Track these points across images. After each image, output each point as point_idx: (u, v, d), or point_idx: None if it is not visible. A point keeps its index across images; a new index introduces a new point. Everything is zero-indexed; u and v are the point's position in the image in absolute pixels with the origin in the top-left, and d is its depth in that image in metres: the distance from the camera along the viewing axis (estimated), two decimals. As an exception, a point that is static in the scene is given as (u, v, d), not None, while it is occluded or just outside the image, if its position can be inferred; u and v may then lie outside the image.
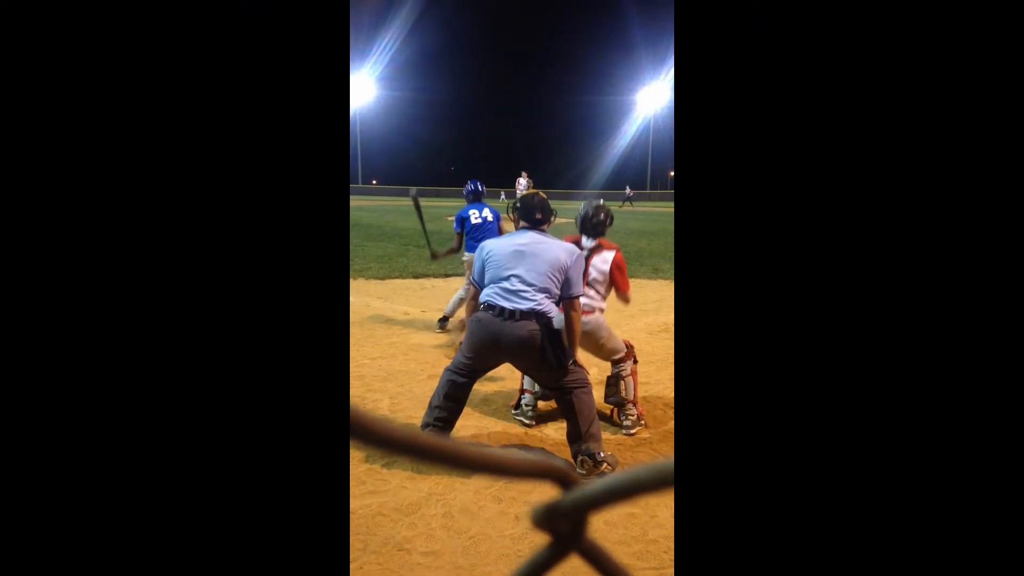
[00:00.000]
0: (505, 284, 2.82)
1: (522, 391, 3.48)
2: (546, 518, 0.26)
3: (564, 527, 0.26)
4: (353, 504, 2.52)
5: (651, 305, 6.78)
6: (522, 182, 19.84)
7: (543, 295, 2.81)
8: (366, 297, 6.54)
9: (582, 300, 3.07)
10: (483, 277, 2.95)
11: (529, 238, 2.93)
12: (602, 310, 3.41)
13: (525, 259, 2.84)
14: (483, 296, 2.90)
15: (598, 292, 3.40)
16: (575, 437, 2.82)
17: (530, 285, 2.80)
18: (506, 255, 2.88)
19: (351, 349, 4.70)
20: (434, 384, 2.97)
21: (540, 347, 2.77)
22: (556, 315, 2.90)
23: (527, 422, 3.39)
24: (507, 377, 3.94)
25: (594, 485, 0.24)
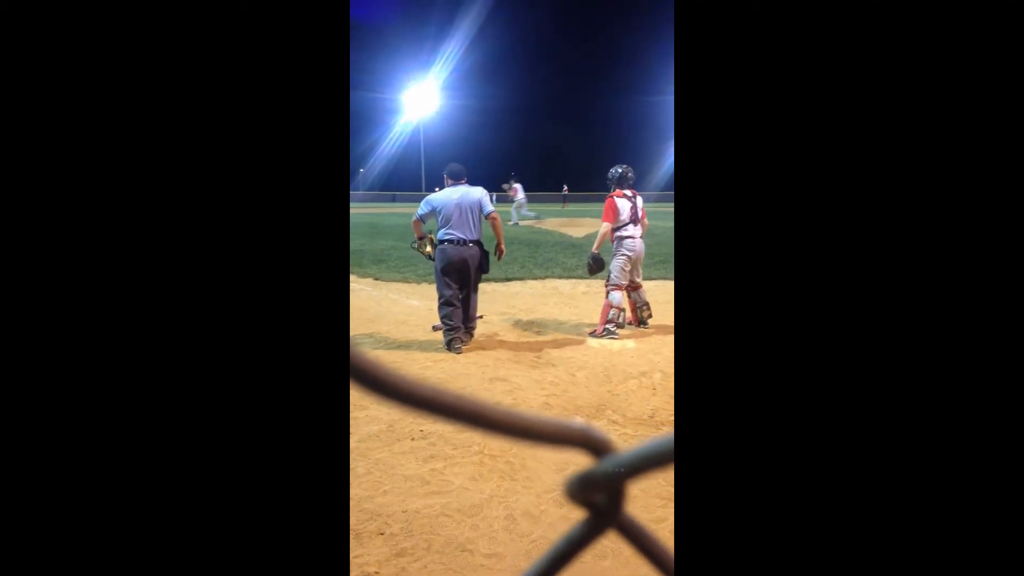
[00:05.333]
0: (456, 223, 4.85)
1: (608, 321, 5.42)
2: (581, 489, 0.25)
3: (600, 499, 0.25)
4: (417, 504, 2.56)
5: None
6: (517, 187, 19.98)
7: (476, 226, 4.95)
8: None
9: (635, 231, 5.56)
10: (430, 218, 4.98)
11: (460, 191, 4.94)
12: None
13: (463, 206, 4.88)
14: (443, 234, 4.88)
15: (642, 226, 5.60)
16: (469, 319, 5.06)
17: (468, 221, 4.89)
18: (452, 204, 4.87)
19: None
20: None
21: (481, 259, 5.00)
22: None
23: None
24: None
25: (630, 452, 0.22)
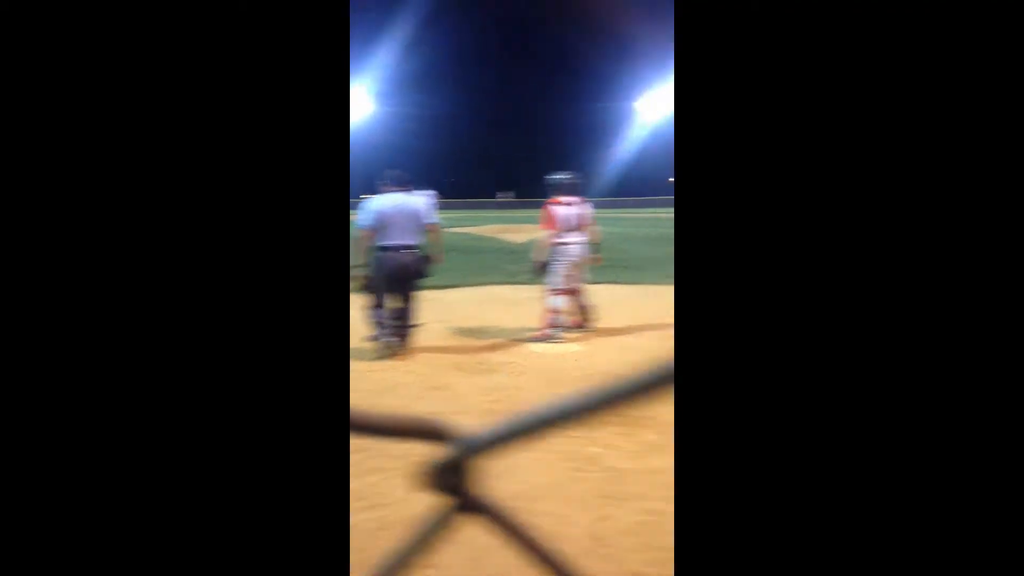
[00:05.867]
0: (395, 230, 4.85)
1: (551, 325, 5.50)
2: (437, 476, 0.24)
3: (456, 481, 0.24)
4: (353, 519, 2.46)
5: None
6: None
7: (414, 233, 4.97)
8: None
9: (575, 237, 5.54)
10: (372, 224, 4.85)
11: (400, 198, 4.99)
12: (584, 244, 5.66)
13: (403, 212, 4.92)
14: (386, 241, 4.85)
15: (587, 232, 5.68)
16: (409, 318, 5.05)
17: (408, 228, 4.92)
18: (393, 211, 4.88)
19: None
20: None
21: (419, 265, 5.00)
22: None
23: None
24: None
25: (476, 435, 0.20)
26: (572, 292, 5.71)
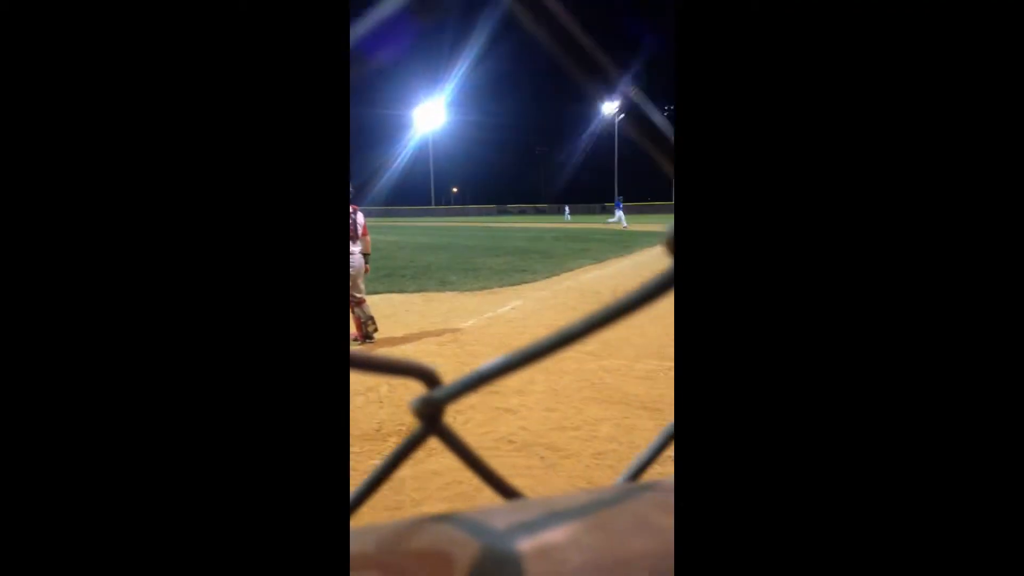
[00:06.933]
0: None
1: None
2: (422, 407, 0.31)
3: (433, 413, 0.31)
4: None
5: (440, 316, 6.96)
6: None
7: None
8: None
9: (353, 247, 5.72)
10: None
11: None
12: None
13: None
14: None
15: (363, 242, 6.03)
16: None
17: None
18: None
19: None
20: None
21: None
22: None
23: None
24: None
25: (457, 382, 0.29)
26: (354, 303, 5.63)
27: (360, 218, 5.68)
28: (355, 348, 0.35)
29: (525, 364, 0.28)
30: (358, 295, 5.68)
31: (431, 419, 0.31)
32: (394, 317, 6.75)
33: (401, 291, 8.74)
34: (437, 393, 0.30)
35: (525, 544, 0.28)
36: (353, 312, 5.67)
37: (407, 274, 10.64)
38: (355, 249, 5.57)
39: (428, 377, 0.30)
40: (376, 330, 5.85)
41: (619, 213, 35.17)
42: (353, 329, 5.71)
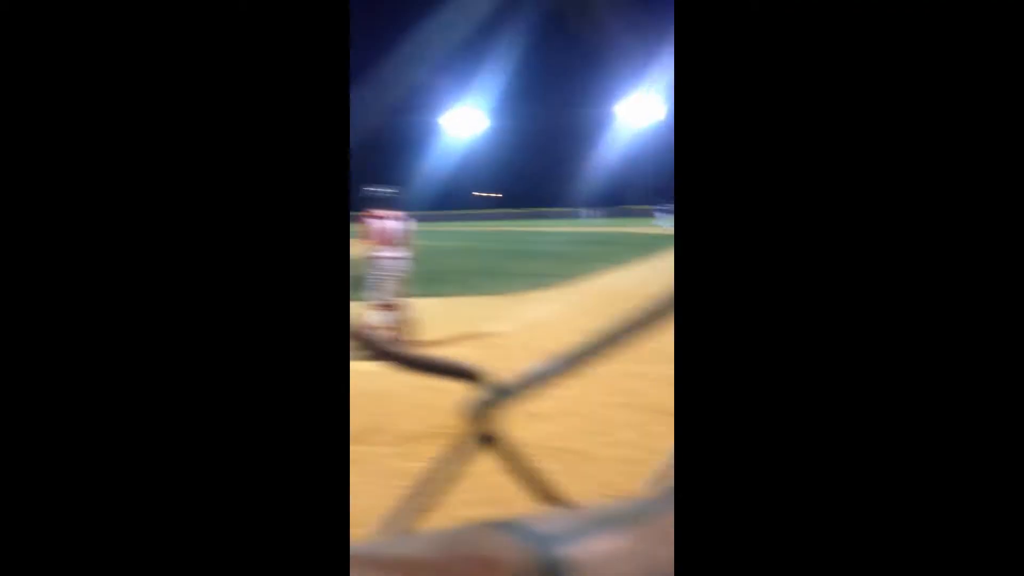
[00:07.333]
0: None
1: None
2: (479, 411, 0.31)
3: (490, 417, 0.31)
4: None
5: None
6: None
7: None
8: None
9: (389, 252, 5.59)
10: None
11: None
12: None
13: None
14: None
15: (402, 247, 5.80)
16: None
17: None
18: None
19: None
20: None
21: None
22: None
23: None
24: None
25: (509, 383, 0.29)
26: (391, 307, 5.71)
27: (403, 223, 5.73)
28: (397, 347, 0.35)
29: (574, 368, 0.27)
30: (395, 299, 5.75)
31: (488, 424, 0.31)
32: (433, 321, 6.80)
33: (439, 295, 8.81)
34: (492, 397, 0.30)
35: (578, 551, 0.28)
36: (393, 315, 5.74)
37: (444, 279, 10.71)
38: (398, 253, 5.63)
39: (474, 379, 0.30)
40: (415, 333, 5.91)
41: (664, 216, 34.97)
42: (393, 332, 5.78)
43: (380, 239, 5.54)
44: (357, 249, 5.67)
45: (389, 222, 5.64)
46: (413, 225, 5.84)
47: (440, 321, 6.96)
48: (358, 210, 5.66)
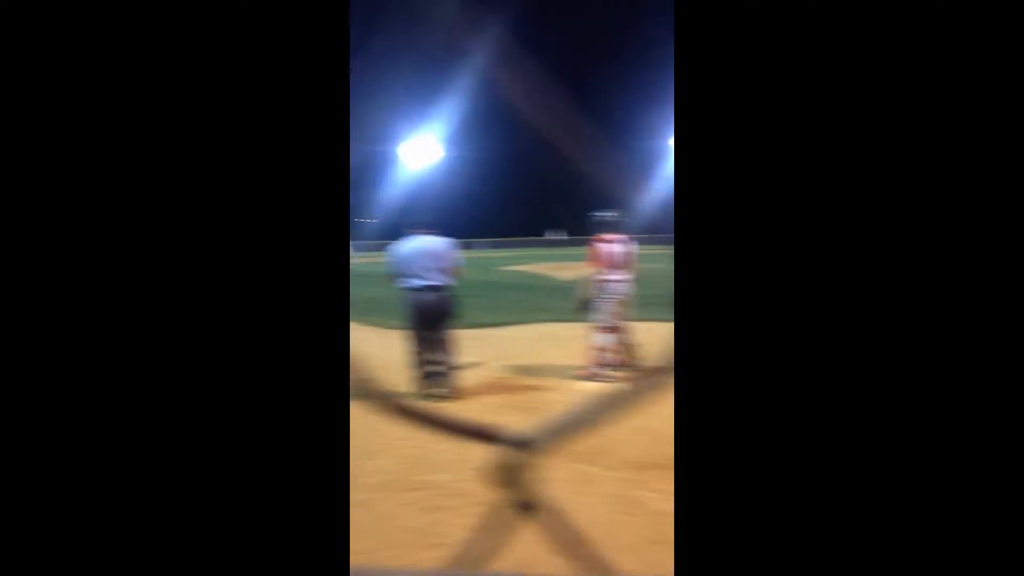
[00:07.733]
0: (419, 271, 4.89)
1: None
2: (506, 472, 0.32)
3: (516, 480, 0.32)
4: (415, 557, 2.56)
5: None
6: None
7: (439, 273, 4.91)
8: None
9: (616, 275, 5.58)
10: (395, 267, 4.95)
11: (422, 240, 4.96)
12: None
13: (425, 254, 4.92)
14: (408, 283, 4.91)
15: (629, 270, 5.66)
16: (447, 360, 5.03)
17: (432, 269, 4.91)
18: (415, 253, 4.93)
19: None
20: None
21: (448, 305, 4.99)
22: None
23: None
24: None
25: (525, 433, 0.30)
26: (616, 330, 5.73)
27: (628, 246, 5.74)
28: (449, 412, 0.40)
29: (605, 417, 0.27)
30: (621, 322, 5.76)
31: (521, 483, 0.31)
32: (656, 345, 6.65)
33: (664, 319, 8.54)
34: (516, 454, 0.31)
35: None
36: (616, 339, 5.75)
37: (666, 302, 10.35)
38: (623, 276, 5.65)
39: (492, 437, 0.31)
40: (640, 357, 5.84)
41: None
42: (618, 356, 5.79)
43: (609, 263, 5.62)
44: (584, 272, 5.83)
45: (616, 245, 5.70)
46: (635, 248, 5.81)
47: (663, 347, 6.73)
48: (588, 235, 5.81)
